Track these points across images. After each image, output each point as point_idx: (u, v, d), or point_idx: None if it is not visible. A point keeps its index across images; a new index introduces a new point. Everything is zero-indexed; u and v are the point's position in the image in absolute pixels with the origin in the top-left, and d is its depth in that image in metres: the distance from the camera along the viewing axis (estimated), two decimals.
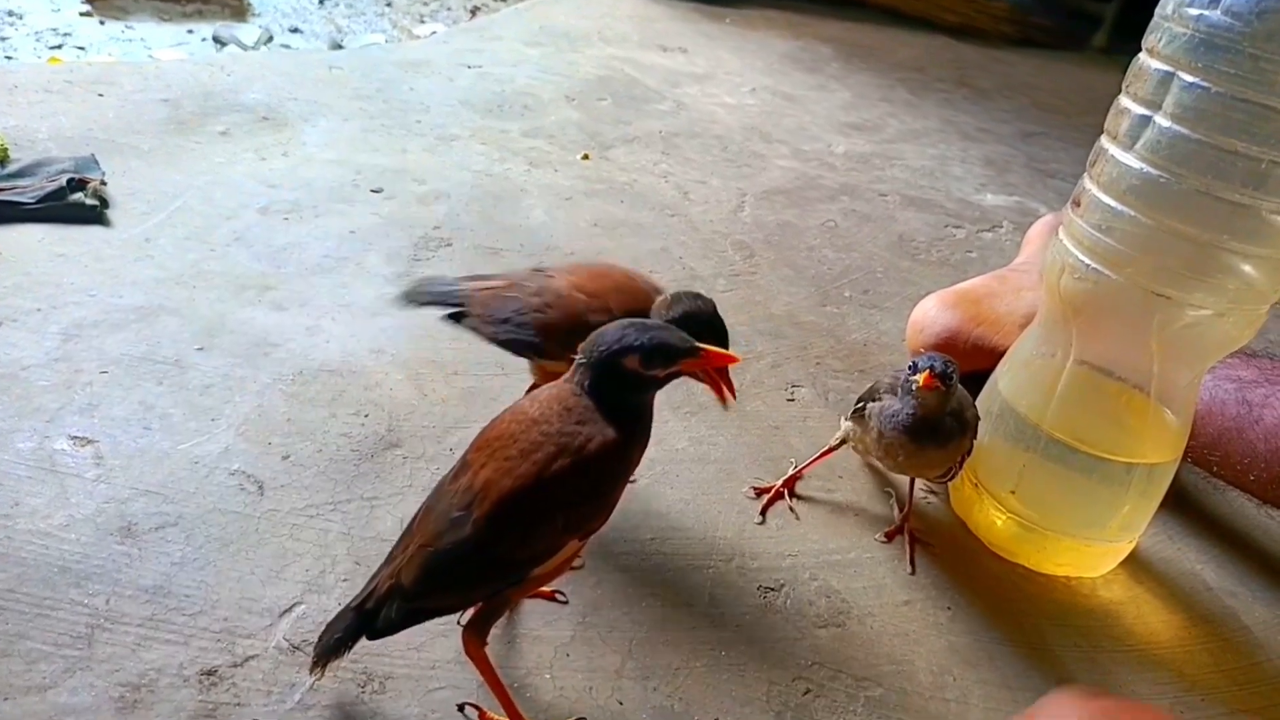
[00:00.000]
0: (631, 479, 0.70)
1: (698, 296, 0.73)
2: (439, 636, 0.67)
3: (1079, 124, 2.16)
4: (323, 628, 0.60)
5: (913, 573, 0.82)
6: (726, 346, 0.68)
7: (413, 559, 0.58)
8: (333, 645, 0.58)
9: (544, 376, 0.76)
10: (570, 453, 0.56)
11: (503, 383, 0.96)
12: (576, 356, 0.60)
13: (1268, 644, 0.82)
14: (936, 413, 0.76)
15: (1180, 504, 0.94)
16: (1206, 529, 0.93)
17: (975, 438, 0.80)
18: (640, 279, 0.79)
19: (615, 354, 0.57)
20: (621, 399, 0.58)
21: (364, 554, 0.74)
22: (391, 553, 0.60)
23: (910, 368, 0.76)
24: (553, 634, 0.70)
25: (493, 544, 0.56)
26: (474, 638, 0.60)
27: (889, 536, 0.85)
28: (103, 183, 1.17)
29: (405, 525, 0.61)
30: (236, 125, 1.44)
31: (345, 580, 0.71)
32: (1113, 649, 0.78)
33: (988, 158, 1.87)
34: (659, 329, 0.58)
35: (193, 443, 0.82)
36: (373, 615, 0.58)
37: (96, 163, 1.21)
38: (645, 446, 0.61)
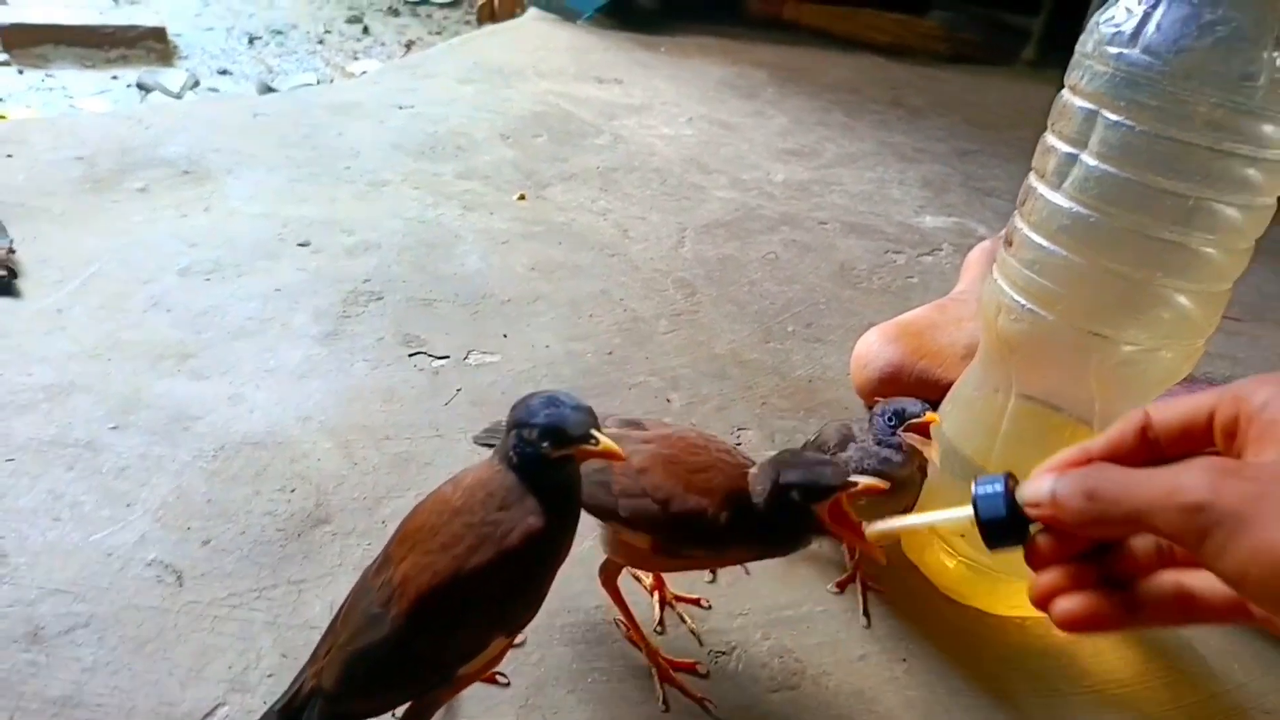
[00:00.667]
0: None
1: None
2: None
3: (1012, 138, 2.19)
4: None
5: (868, 625, 0.80)
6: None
7: (333, 659, 0.54)
8: None
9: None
10: (493, 544, 0.52)
11: (436, 445, 0.92)
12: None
13: (1223, 674, 0.81)
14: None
15: None
16: None
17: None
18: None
19: (519, 426, 0.54)
20: (542, 474, 0.55)
21: (291, 644, 0.70)
22: (316, 650, 0.57)
23: (893, 416, 0.74)
24: (493, 719, 0.67)
25: (412, 643, 0.52)
26: None
27: (841, 586, 0.83)
28: (10, 251, 1.12)
29: (332, 617, 0.58)
30: (156, 181, 1.39)
31: (271, 675, 0.67)
32: (1070, 691, 0.77)
33: (925, 178, 1.88)
34: (564, 406, 0.54)
35: (106, 532, 0.77)
36: (296, 718, 0.54)
37: (4, 230, 1.16)
38: (575, 528, 0.57)
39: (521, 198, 1.53)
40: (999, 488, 0.38)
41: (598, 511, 0.65)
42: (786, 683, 0.73)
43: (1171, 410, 0.36)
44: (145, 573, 0.74)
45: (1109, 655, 0.81)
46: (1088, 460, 0.36)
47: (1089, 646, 0.82)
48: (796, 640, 0.77)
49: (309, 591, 0.75)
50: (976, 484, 0.38)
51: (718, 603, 0.80)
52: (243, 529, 0.79)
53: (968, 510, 0.38)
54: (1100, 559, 0.36)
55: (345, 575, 0.76)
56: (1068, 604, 0.36)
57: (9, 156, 1.39)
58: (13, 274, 1.09)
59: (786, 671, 0.74)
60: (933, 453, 0.72)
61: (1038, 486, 0.36)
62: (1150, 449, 0.36)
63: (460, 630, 0.53)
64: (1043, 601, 0.37)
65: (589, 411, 0.54)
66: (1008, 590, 0.81)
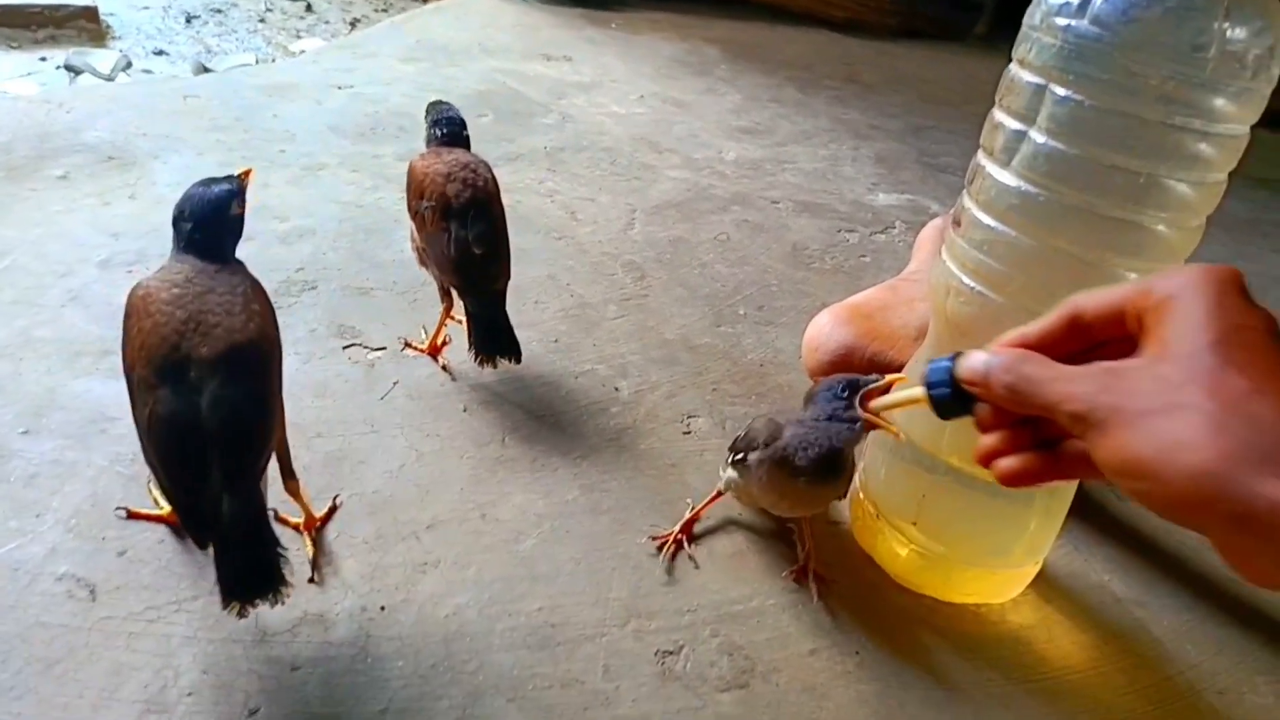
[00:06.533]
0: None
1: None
2: None
3: (966, 114, 2.17)
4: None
5: (826, 612, 0.78)
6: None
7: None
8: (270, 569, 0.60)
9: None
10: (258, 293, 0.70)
11: (371, 441, 0.88)
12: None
13: (1178, 655, 0.80)
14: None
15: (1084, 513, 0.92)
16: (1111, 537, 0.92)
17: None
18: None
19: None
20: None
21: (213, 659, 0.66)
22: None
23: (844, 388, 0.71)
24: None
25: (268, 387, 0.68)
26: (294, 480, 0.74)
27: (795, 577, 0.81)
28: None
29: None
30: (77, 168, 1.32)
31: (190, 694, 0.63)
32: (1025, 679, 0.76)
33: (879, 155, 1.86)
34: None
35: (13, 545, 0.72)
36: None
37: None
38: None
39: None
40: (946, 364, 0.44)
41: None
42: (736, 682, 0.71)
43: (1097, 299, 0.40)
44: (55, 588, 0.70)
45: (1064, 641, 0.80)
46: (1023, 345, 0.42)
47: (1043, 633, 0.80)
48: (746, 636, 0.75)
49: None
50: (929, 362, 0.45)
51: (665, 600, 0.77)
52: (161, 537, 0.75)
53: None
54: (1034, 424, 0.42)
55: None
56: (1006, 463, 0.42)
57: None
58: None
59: (736, 670, 0.72)
60: (893, 426, 0.69)
61: (972, 366, 0.42)
62: (1082, 335, 0.41)
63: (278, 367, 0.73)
64: (986, 460, 0.43)
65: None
66: (961, 578, 0.80)
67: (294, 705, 0.64)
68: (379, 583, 0.74)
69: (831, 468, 0.72)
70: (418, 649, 0.69)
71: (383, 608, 0.72)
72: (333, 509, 0.80)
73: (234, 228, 0.70)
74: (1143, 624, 0.83)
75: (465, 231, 0.91)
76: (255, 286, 0.69)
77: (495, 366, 0.92)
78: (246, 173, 0.73)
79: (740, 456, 0.76)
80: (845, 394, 0.70)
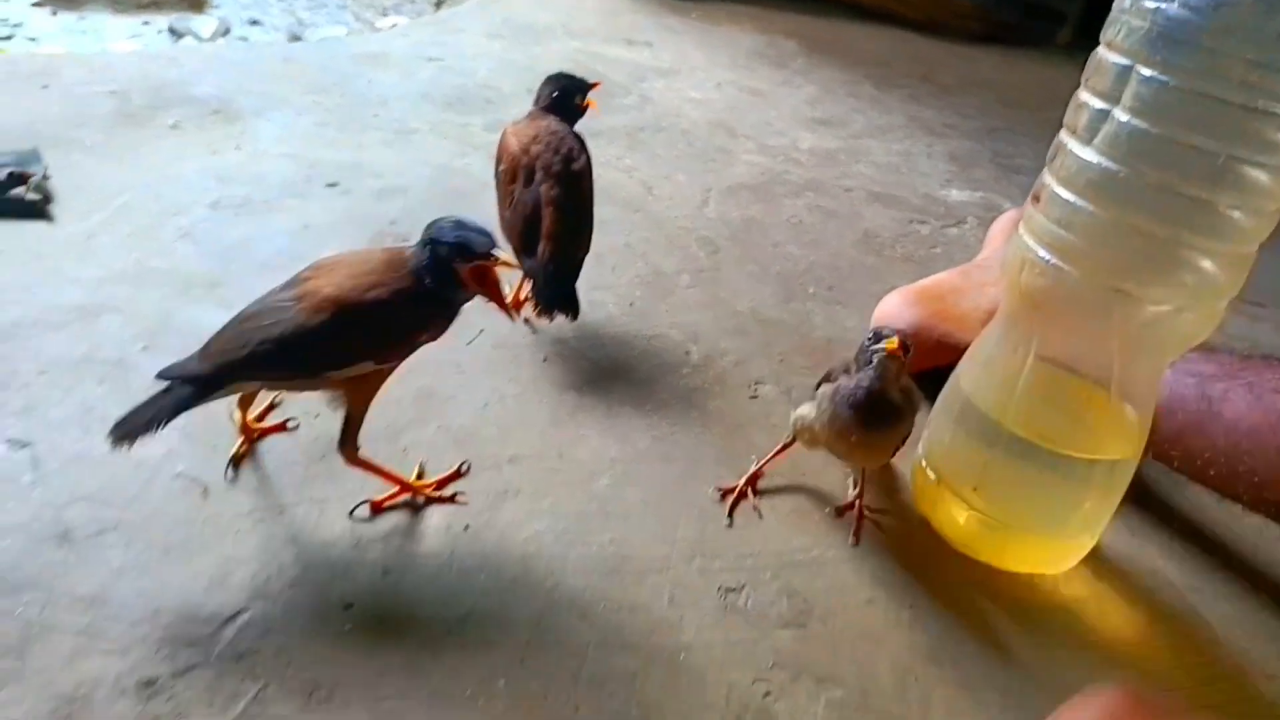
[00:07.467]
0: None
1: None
2: (388, 644, 0.65)
3: (1043, 119, 2.15)
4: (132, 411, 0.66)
5: (855, 544, 0.83)
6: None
7: (231, 333, 0.69)
8: (144, 423, 0.66)
9: None
10: (387, 291, 0.68)
11: (459, 381, 0.94)
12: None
13: (1228, 640, 0.82)
14: (894, 383, 0.77)
15: (1142, 499, 0.93)
16: (1168, 524, 0.93)
17: (914, 422, 0.81)
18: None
19: (433, 243, 0.69)
20: (443, 287, 0.70)
21: (313, 559, 0.72)
22: (208, 342, 0.70)
23: (873, 336, 0.77)
24: (506, 639, 0.68)
25: (305, 333, 0.66)
26: (350, 449, 0.74)
27: (840, 512, 0.85)
28: (45, 177, 1.13)
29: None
30: (187, 118, 1.40)
31: (292, 587, 0.69)
32: (1074, 647, 0.78)
33: (953, 153, 1.87)
34: (470, 229, 0.69)
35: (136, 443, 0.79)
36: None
37: (39, 157, 1.17)
38: (443, 327, 0.73)
39: None
40: None
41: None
42: (794, 621, 0.75)
43: None
44: (172, 484, 0.76)
45: (1114, 616, 0.82)
46: None
47: (1094, 606, 0.83)
48: (805, 582, 0.79)
49: (330, 510, 0.76)
50: None
51: (729, 544, 0.81)
52: (267, 448, 0.81)
53: None
54: None
55: (364, 495, 0.78)
56: None
57: (44, 88, 1.41)
58: (47, 199, 1.10)
59: (794, 610, 0.76)
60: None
61: None
62: None
63: (341, 338, 0.67)
64: None
65: (490, 234, 0.70)
66: (1018, 546, 0.82)
67: (385, 604, 0.69)
68: (464, 505, 0.79)
69: (882, 411, 0.77)
70: (498, 565, 0.74)
71: (467, 527, 0.77)
72: (456, 473, 0.83)
73: (442, 270, 0.69)
74: (1194, 608, 0.84)
75: (532, 194, 0.96)
76: (408, 307, 0.69)
77: (551, 320, 0.98)
78: (506, 303, 0.75)
79: (818, 385, 0.82)
80: (869, 340, 0.77)
